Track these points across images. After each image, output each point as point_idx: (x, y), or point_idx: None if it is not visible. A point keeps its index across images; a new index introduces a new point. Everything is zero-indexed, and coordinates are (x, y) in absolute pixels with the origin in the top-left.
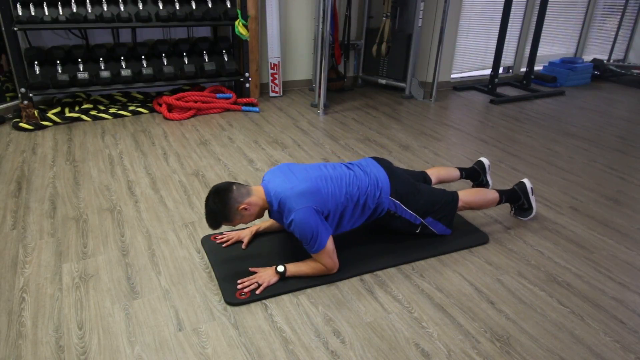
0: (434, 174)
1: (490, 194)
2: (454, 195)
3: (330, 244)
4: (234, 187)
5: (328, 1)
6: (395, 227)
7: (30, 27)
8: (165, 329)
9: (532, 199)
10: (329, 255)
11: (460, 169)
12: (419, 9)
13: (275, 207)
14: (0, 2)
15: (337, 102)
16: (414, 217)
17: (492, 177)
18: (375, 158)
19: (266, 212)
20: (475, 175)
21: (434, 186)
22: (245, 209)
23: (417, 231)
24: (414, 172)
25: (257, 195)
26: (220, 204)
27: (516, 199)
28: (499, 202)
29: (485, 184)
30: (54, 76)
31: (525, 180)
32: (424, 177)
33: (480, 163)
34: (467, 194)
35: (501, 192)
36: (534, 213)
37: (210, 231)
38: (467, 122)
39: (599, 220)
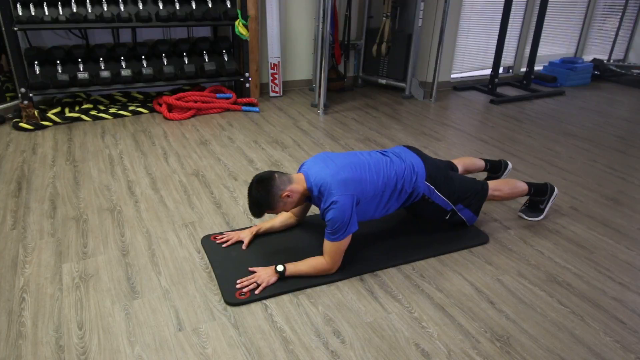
0: (459, 163)
1: (520, 184)
2: (484, 185)
3: (347, 240)
4: (276, 175)
5: (328, 1)
6: (427, 213)
7: (30, 27)
8: (165, 329)
9: (550, 205)
10: (339, 250)
11: (486, 160)
12: (419, 9)
13: (315, 193)
14: (0, 2)
15: (337, 102)
16: (446, 203)
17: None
18: (406, 146)
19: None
20: (497, 168)
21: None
22: (288, 196)
23: (447, 217)
24: (442, 160)
25: (298, 182)
26: (264, 192)
27: (542, 194)
28: (528, 193)
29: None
30: (54, 76)
31: (555, 187)
32: (451, 166)
33: (506, 162)
34: (497, 183)
35: (530, 184)
36: (541, 217)
37: (210, 231)
38: (467, 122)
39: (599, 220)
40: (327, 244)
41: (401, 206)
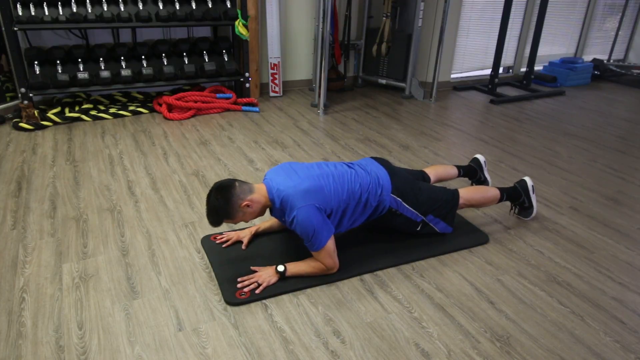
0: (432, 172)
1: (491, 191)
2: (454, 193)
3: (331, 243)
4: (237, 184)
5: (328, 1)
6: (396, 226)
7: (30, 27)
8: (165, 329)
9: (533, 197)
10: (329, 254)
11: (458, 167)
12: (419, 9)
13: (277, 205)
14: (0, 2)
15: (337, 102)
16: (415, 215)
17: (492, 177)
18: (374, 157)
19: (266, 212)
20: (472, 172)
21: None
22: (248, 206)
23: (418, 229)
24: (412, 170)
25: (260, 192)
26: (223, 200)
27: (517, 197)
28: (500, 200)
29: (484, 181)
30: (54, 76)
31: (527, 178)
32: (422, 176)
33: (476, 160)
34: (467, 191)
35: (502, 190)
36: (534, 212)
37: (210, 231)
38: (467, 122)
39: (599, 220)
40: (314, 254)
41: (367, 219)
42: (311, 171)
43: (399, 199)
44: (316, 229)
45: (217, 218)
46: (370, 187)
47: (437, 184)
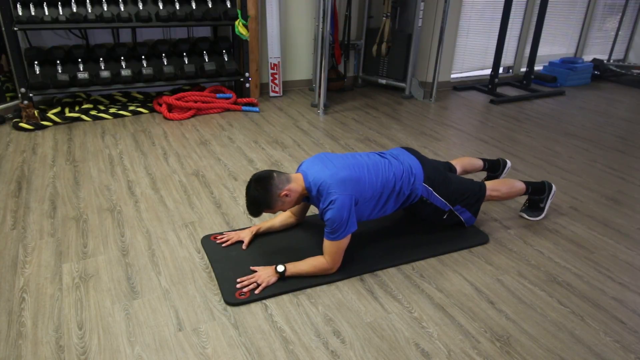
0: (458, 163)
1: (518, 183)
2: (481, 185)
3: (347, 240)
4: (275, 175)
5: (328, 1)
6: (425, 214)
7: (30, 27)
8: (165, 329)
9: (549, 202)
10: (339, 249)
11: (484, 160)
12: (419, 9)
13: (314, 193)
14: (0, 2)
15: (337, 102)
16: (444, 204)
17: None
18: (404, 147)
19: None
20: (495, 168)
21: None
22: (287, 195)
23: (445, 217)
24: (440, 161)
25: (297, 182)
26: (263, 191)
27: (540, 192)
28: (525, 192)
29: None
30: (54, 76)
31: (553, 184)
32: (449, 167)
33: (505, 161)
34: (494, 183)
35: (528, 183)
36: (542, 216)
37: (210, 231)
38: (467, 122)
39: (599, 220)
40: (327, 244)
41: (399, 208)
42: (346, 161)
43: (430, 188)
44: (345, 220)
45: (257, 208)
46: (404, 176)
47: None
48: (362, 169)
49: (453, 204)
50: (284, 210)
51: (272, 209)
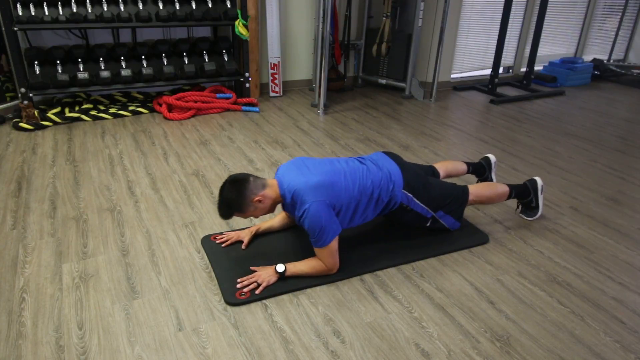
0: (441, 167)
1: (501, 188)
2: (464, 189)
3: (335, 242)
4: (251, 179)
5: (328, 1)
6: (406, 221)
7: (30, 27)
8: (165, 329)
9: (541, 198)
10: (331, 252)
11: (467, 164)
12: (419, 9)
13: (288, 200)
14: (0, 2)
15: (337, 102)
16: (425, 211)
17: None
18: (385, 152)
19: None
20: (481, 170)
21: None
22: (260, 201)
23: (428, 225)
24: (422, 165)
25: (272, 188)
26: (236, 193)
27: (525, 195)
28: (509, 197)
29: (489, 181)
30: (54, 76)
31: (537, 178)
32: (432, 171)
33: (487, 159)
34: (477, 187)
35: (511, 187)
36: (539, 213)
37: (210, 231)
38: (467, 122)
39: (599, 220)
40: (317, 251)
41: (379, 214)
42: (323, 167)
43: (410, 194)
44: (324, 225)
45: (228, 210)
46: (382, 183)
47: (446, 180)
48: (339, 175)
49: (435, 210)
50: (256, 217)
51: (243, 213)
